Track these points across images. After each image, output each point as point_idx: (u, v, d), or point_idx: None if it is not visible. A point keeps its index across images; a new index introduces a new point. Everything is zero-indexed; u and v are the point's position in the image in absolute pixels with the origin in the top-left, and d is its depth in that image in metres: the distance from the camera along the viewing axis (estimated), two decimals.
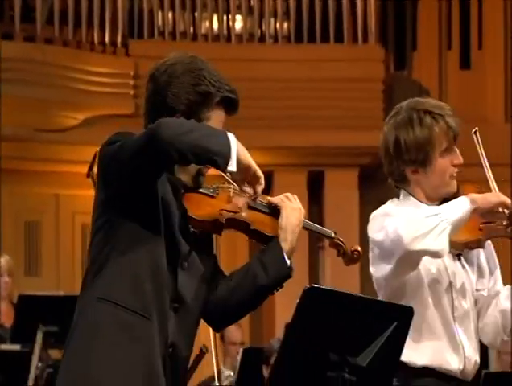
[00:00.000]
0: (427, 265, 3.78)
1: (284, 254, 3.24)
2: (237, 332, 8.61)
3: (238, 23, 10.76)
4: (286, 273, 3.24)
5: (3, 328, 7.84)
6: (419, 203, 3.87)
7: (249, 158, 3.08)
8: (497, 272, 3.92)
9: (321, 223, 4.45)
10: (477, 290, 3.88)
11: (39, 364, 7.01)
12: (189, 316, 3.20)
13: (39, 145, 10.03)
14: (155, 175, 3.09)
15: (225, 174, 3.16)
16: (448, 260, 3.81)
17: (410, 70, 11.22)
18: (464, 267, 3.86)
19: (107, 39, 10.19)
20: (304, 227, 3.32)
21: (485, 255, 3.90)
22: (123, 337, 3.08)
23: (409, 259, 3.71)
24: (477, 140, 3.99)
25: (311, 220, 3.40)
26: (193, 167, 3.20)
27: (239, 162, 3.04)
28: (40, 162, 10.13)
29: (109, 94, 10.15)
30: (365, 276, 11.43)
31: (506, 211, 3.75)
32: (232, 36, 10.71)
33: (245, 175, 3.11)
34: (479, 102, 10.97)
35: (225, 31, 10.71)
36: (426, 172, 3.85)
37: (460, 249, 3.82)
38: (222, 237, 3.33)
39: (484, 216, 3.80)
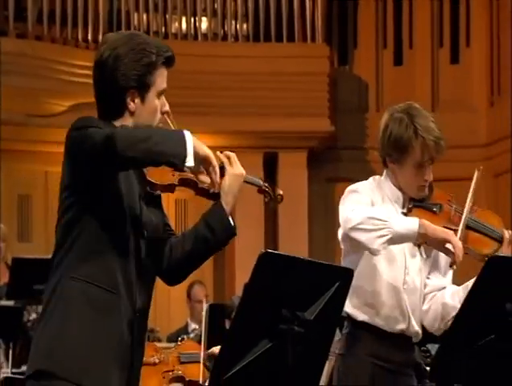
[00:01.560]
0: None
1: (229, 216, 3.17)
2: (201, 291, 8.62)
3: (204, 24, 10.72)
4: (232, 233, 3.19)
5: (5, 287, 7.80)
6: (393, 187, 3.83)
7: (206, 150, 3.02)
8: (451, 272, 3.90)
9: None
10: (428, 278, 3.89)
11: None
12: (150, 278, 3.16)
13: (31, 128, 9.97)
14: (115, 174, 3.03)
15: (184, 171, 3.09)
16: (409, 244, 3.79)
17: (351, 65, 11.23)
18: (421, 254, 3.86)
19: (90, 36, 10.12)
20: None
21: (446, 259, 3.86)
22: (93, 313, 3.02)
23: (348, 239, 3.72)
24: (475, 178, 3.87)
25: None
26: (154, 123, 3.14)
27: (197, 156, 2.98)
28: (32, 143, 10.07)
29: (92, 84, 10.06)
30: (313, 241, 11.47)
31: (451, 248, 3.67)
32: (198, 35, 10.66)
33: (204, 166, 3.05)
34: (409, 93, 10.96)
35: (193, 31, 10.66)
36: (399, 168, 3.81)
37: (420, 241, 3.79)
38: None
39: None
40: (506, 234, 3.83)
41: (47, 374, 2.99)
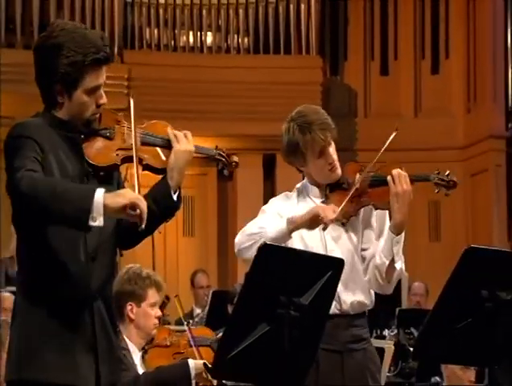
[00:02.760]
0: (306, 234, 3.68)
1: (171, 191, 3.00)
2: (204, 278, 8.60)
3: (209, 38, 10.70)
4: (175, 207, 3.04)
5: None
6: (311, 185, 3.77)
7: (118, 203, 2.72)
8: (382, 238, 3.76)
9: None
10: (363, 249, 3.78)
11: None
12: (104, 254, 2.95)
13: None
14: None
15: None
16: (331, 228, 3.68)
17: (342, 75, 11.22)
18: (347, 231, 3.73)
19: None
20: (194, 154, 3.07)
21: (378, 222, 3.77)
22: (50, 311, 2.84)
23: (246, 262, 3.62)
24: (392, 135, 3.82)
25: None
26: (86, 115, 2.93)
27: (111, 211, 2.71)
28: None
29: (108, 92, 10.01)
30: None
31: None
32: (204, 48, 10.64)
33: (125, 214, 2.75)
34: (394, 101, 11.00)
35: (199, 44, 10.65)
36: (308, 167, 3.74)
37: (344, 219, 3.68)
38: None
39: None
40: (388, 176, 3.66)
41: (18, 382, 2.87)
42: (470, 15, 10.81)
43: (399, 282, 7.99)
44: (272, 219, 3.69)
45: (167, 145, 3.04)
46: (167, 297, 5.82)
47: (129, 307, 4.19)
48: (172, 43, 10.58)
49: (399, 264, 3.71)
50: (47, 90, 2.95)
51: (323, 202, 3.76)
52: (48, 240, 2.87)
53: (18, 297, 2.95)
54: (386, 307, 7.03)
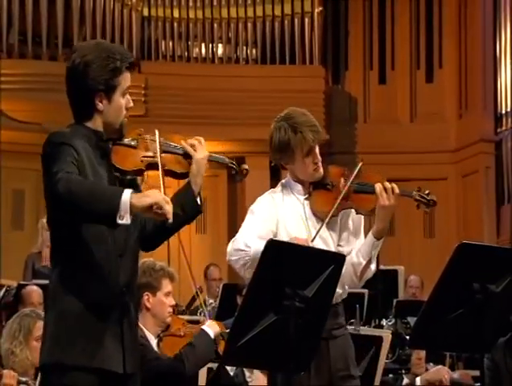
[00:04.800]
0: (289, 233, 3.65)
1: (197, 197, 3.09)
2: (216, 271, 8.60)
3: (220, 49, 10.70)
4: (198, 211, 3.12)
5: (48, 268, 7.79)
6: (294, 182, 3.74)
7: (145, 201, 2.79)
8: (359, 237, 3.75)
9: None
10: (340, 245, 3.75)
11: None
12: (130, 253, 3.01)
13: None
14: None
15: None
16: (313, 225, 3.67)
17: (343, 84, 11.20)
18: (327, 229, 3.70)
19: None
20: (209, 160, 3.15)
21: (353, 224, 3.76)
22: (81, 303, 2.89)
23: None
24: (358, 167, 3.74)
25: None
26: (120, 118, 3.02)
27: (138, 210, 2.78)
28: None
29: None
30: None
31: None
32: (215, 59, 10.65)
33: (151, 213, 2.81)
34: (392, 108, 10.98)
35: (210, 55, 10.65)
36: (294, 165, 3.71)
37: (324, 217, 3.67)
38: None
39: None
40: (377, 188, 3.64)
41: (54, 365, 2.90)
42: (462, 28, 10.79)
43: (396, 275, 8.03)
44: (259, 229, 3.65)
45: (185, 154, 3.11)
46: (200, 289, 5.78)
47: (145, 297, 4.21)
48: (186, 54, 10.58)
49: (374, 265, 3.72)
50: (85, 103, 3.01)
51: (306, 198, 3.75)
52: (81, 238, 2.92)
53: (53, 289, 2.97)
54: (383, 298, 7.03)
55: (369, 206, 3.67)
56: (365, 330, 5.12)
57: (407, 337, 6.26)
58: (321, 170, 3.73)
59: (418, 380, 6.30)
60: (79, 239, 2.92)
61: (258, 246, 3.44)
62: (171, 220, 2.82)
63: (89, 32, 9.90)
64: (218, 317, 7.08)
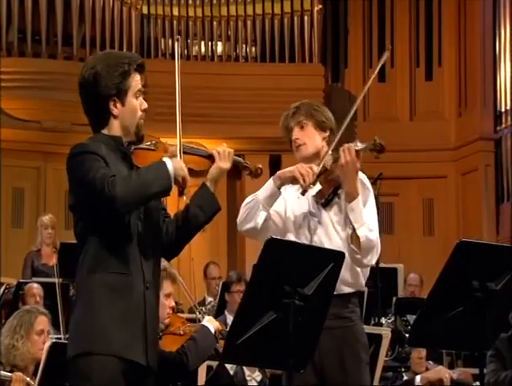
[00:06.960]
0: (293, 212, 3.75)
1: (213, 193, 3.21)
2: (215, 270, 8.60)
3: (219, 47, 10.70)
4: (218, 208, 3.23)
5: (47, 266, 7.81)
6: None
7: (183, 171, 3.06)
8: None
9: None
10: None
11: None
12: (153, 254, 3.12)
13: (75, 134, 9.95)
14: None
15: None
16: (313, 208, 3.75)
17: (342, 82, 11.20)
18: (327, 211, 3.76)
19: None
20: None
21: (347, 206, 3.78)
22: (111, 294, 3.00)
23: (246, 234, 3.72)
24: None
25: None
26: (136, 119, 3.13)
27: (176, 177, 3.03)
28: None
29: None
30: None
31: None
32: (215, 57, 10.64)
33: (182, 183, 3.07)
34: (391, 106, 10.98)
35: (210, 53, 10.65)
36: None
37: (321, 198, 3.75)
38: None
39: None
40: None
41: (82, 354, 2.98)
42: (461, 27, 10.79)
43: (396, 273, 8.03)
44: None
45: (205, 156, 3.23)
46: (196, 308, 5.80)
47: None
48: (185, 52, 10.58)
49: (362, 231, 3.68)
50: (101, 110, 3.10)
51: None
52: (111, 239, 3.03)
53: (82, 284, 3.05)
54: (383, 296, 7.04)
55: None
56: (365, 328, 5.12)
57: (407, 335, 6.27)
58: (302, 152, 4.04)
59: (418, 379, 6.31)
60: (108, 240, 3.02)
61: (264, 186, 3.71)
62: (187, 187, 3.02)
63: (88, 30, 9.89)
64: (217, 315, 7.08)
